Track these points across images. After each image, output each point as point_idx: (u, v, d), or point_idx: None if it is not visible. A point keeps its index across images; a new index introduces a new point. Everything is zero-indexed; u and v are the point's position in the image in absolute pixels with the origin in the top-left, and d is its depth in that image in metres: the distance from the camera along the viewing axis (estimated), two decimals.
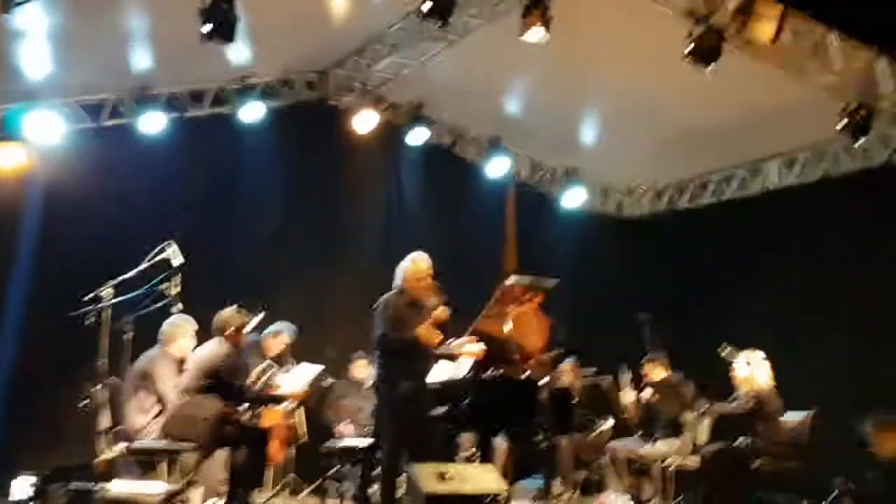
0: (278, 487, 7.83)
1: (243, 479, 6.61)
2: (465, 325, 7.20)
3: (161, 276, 6.37)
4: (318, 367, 7.58)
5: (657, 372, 8.38)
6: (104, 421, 6.17)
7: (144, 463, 6.61)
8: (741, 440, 7.58)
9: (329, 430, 8.69)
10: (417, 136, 10.19)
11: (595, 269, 11.08)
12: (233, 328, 6.68)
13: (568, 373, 8.70)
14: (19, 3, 6.89)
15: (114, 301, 6.06)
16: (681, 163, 10.94)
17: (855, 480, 7.21)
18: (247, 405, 7.14)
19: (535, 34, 7.31)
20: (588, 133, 10.62)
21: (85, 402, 6.08)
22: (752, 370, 7.63)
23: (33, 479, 6.64)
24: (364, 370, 8.89)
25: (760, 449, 7.43)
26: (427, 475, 5.89)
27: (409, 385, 6.57)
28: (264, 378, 7.37)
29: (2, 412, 7.96)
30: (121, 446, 6.31)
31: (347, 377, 9.05)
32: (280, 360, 7.98)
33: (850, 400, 8.18)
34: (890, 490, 7.01)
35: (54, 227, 8.45)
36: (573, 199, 11.31)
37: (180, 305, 6.45)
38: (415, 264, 6.71)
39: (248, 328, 6.98)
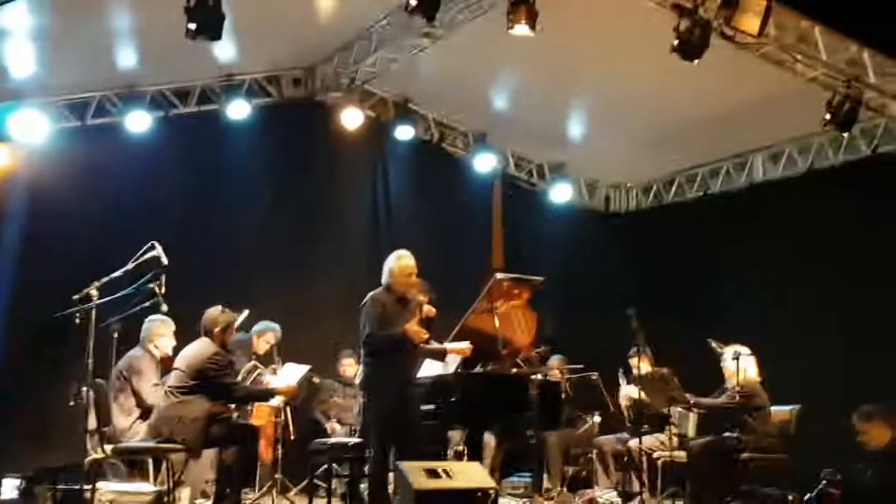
0: (266, 487, 7.81)
1: (232, 479, 6.60)
2: (453, 321, 7.21)
3: (147, 277, 6.34)
4: (305, 368, 7.57)
5: (643, 366, 8.39)
6: (91, 421, 6.15)
7: (131, 464, 6.61)
8: (728, 434, 7.60)
9: (318, 429, 8.69)
10: (404, 132, 10.17)
11: (582, 264, 11.10)
12: (219, 327, 6.65)
13: (556, 368, 8.72)
14: (3, 3, 6.84)
15: (100, 301, 6.03)
16: (667, 157, 10.96)
17: (842, 472, 7.23)
18: (235, 404, 7.14)
19: (522, 29, 7.29)
20: (575, 128, 10.63)
21: (72, 402, 6.05)
22: (739, 364, 7.65)
23: (19, 480, 6.62)
24: (352, 367, 8.89)
25: (748, 442, 7.45)
26: (416, 472, 5.90)
27: (397, 382, 6.57)
28: (252, 377, 7.36)
29: None
30: (108, 447, 6.29)
31: (335, 375, 9.05)
32: (266, 360, 7.97)
33: (837, 392, 8.23)
34: (878, 481, 7.04)
35: (39, 226, 8.40)
36: (560, 194, 11.32)
37: (165, 307, 6.42)
38: (400, 261, 6.70)
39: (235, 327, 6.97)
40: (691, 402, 7.68)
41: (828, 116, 8.07)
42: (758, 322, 9.26)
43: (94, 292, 5.99)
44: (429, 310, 6.88)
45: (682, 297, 10.33)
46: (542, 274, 7.57)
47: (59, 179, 8.50)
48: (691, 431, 8.34)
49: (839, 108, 8.00)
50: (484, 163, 10.71)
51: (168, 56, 8.60)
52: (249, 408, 7.74)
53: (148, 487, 6.14)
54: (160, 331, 7.05)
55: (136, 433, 6.61)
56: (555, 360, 8.86)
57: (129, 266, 6.32)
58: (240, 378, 7.24)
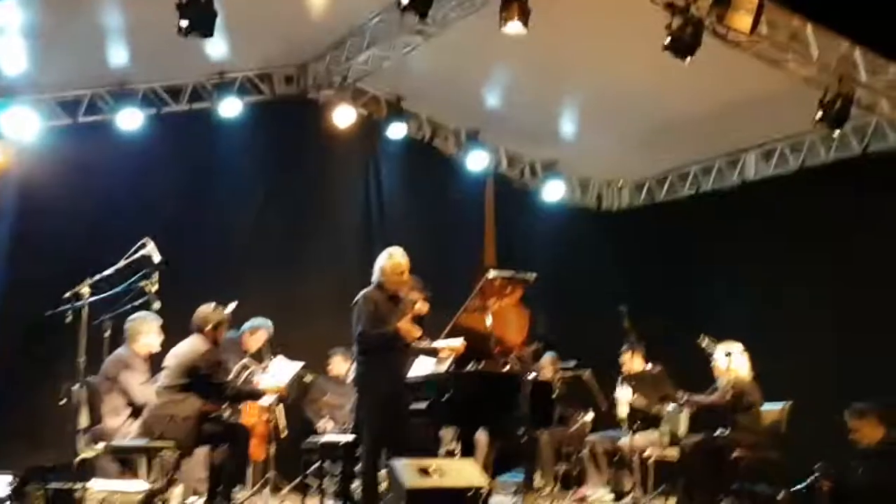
0: (258, 485, 7.81)
1: (224, 477, 6.59)
2: (446, 319, 7.21)
3: (139, 274, 6.33)
4: (298, 364, 7.56)
5: (635, 364, 8.42)
6: (83, 420, 6.13)
7: (123, 462, 6.59)
8: (720, 431, 7.62)
9: (310, 427, 8.68)
10: (396, 130, 10.16)
11: (574, 262, 11.11)
12: (211, 325, 6.64)
13: (548, 366, 8.73)
14: None
15: (92, 299, 6.01)
16: (659, 155, 10.98)
17: (835, 468, 7.25)
18: (227, 402, 7.13)
19: (514, 27, 7.29)
20: (567, 126, 10.64)
21: (63, 400, 6.03)
22: (731, 361, 7.67)
23: (11, 479, 6.58)
24: (341, 365, 8.89)
25: (739, 440, 7.47)
26: (408, 470, 5.90)
27: (389, 380, 6.57)
28: (244, 375, 7.35)
29: None
30: (100, 445, 6.28)
31: (326, 373, 9.04)
32: (258, 357, 7.96)
33: (828, 390, 8.25)
34: (870, 478, 7.07)
35: (31, 224, 8.39)
36: (552, 191, 11.32)
37: (158, 304, 6.40)
38: (392, 259, 6.70)
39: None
40: (683, 399, 7.69)
41: (819, 114, 8.08)
42: (749, 320, 9.28)
43: (85, 290, 5.98)
44: (421, 307, 6.87)
45: (674, 295, 10.35)
46: (535, 272, 7.56)
47: (51, 177, 8.48)
48: (683, 429, 8.36)
49: (831, 106, 8.02)
50: (476, 161, 10.70)
51: (160, 54, 8.59)
52: (240, 406, 7.72)
53: (139, 486, 6.12)
54: (144, 328, 7.02)
55: (127, 433, 6.59)
56: (546, 359, 8.86)
57: (122, 263, 6.31)
58: (231, 376, 7.21)
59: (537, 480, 8.27)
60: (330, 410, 8.80)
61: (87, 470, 6.13)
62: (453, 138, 11.03)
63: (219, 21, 7.17)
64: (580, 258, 11.22)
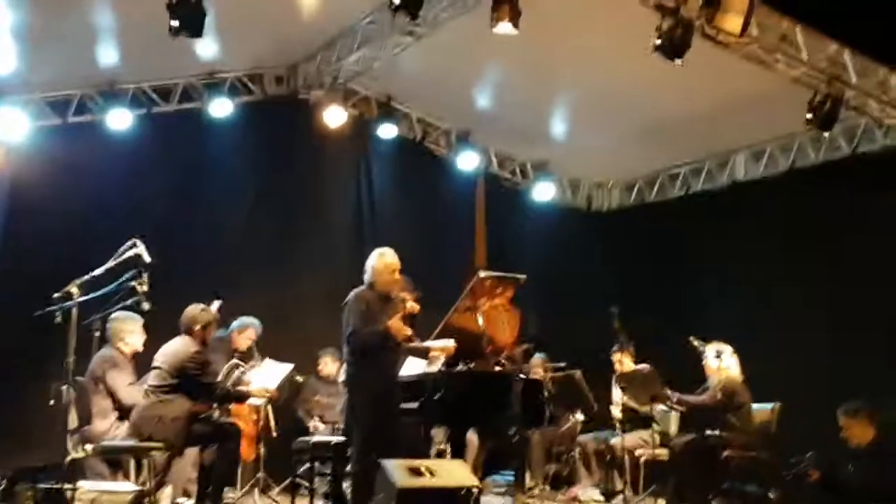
0: (248, 486, 7.79)
1: (213, 478, 6.58)
2: (437, 318, 7.21)
3: (129, 275, 6.31)
4: (289, 366, 7.54)
5: (626, 364, 8.43)
6: (72, 420, 6.11)
7: (113, 463, 6.57)
8: (710, 432, 7.63)
9: (301, 427, 8.67)
10: (387, 130, 10.16)
11: (565, 263, 11.12)
12: (200, 325, 6.63)
13: (538, 366, 8.73)
14: None
15: (81, 299, 5.99)
16: (649, 156, 11.00)
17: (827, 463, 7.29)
18: (216, 403, 7.12)
19: (505, 27, 7.30)
20: (557, 127, 10.65)
21: (52, 401, 6.01)
22: (721, 362, 7.69)
23: (0, 479, 6.56)
24: (331, 365, 8.88)
25: (730, 440, 7.49)
26: (399, 470, 5.90)
27: (380, 380, 6.56)
28: (234, 376, 7.33)
29: None
30: (89, 446, 6.26)
31: (317, 373, 9.03)
32: (246, 356, 7.93)
33: (819, 391, 8.27)
34: (860, 478, 7.10)
35: (20, 224, 8.35)
36: (543, 192, 11.34)
37: (146, 305, 6.38)
38: (383, 258, 6.71)
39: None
40: (674, 399, 7.71)
41: (809, 116, 8.12)
42: (740, 320, 9.30)
43: (74, 290, 5.95)
44: (412, 306, 6.88)
45: (664, 295, 10.37)
46: (525, 272, 7.57)
47: (40, 177, 8.45)
48: (673, 429, 8.38)
49: (820, 107, 8.06)
50: (467, 161, 10.71)
51: (150, 53, 8.56)
52: (230, 407, 7.71)
53: (129, 487, 6.10)
54: (127, 327, 6.99)
55: (115, 435, 6.56)
56: (537, 359, 8.87)
57: (111, 263, 6.29)
58: (221, 377, 7.19)
59: (528, 480, 8.27)
60: (321, 410, 8.80)
61: (77, 471, 6.11)
62: (444, 139, 11.04)
63: (209, 21, 7.16)
64: (571, 258, 11.23)
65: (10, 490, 6.06)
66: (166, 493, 6.82)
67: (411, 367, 7.17)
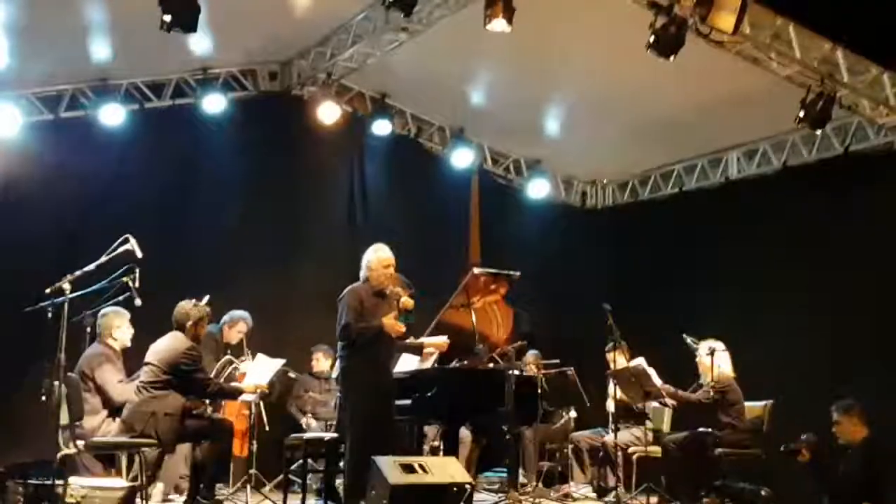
0: (241, 482, 7.77)
1: (205, 474, 6.56)
2: (430, 316, 7.20)
3: (121, 271, 6.29)
4: (280, 361, 7.53)
5: (619, 361, 8.42)
6: (63, 416, 6.09)
7: (105, 459, 6.55)
8: (703, 429, 7.65)
9: (293, 423, 8.66)
10: (382, 127, 10.15)
11: (559, 260, 11.12)
12: (192, 321, 6.61)
13: (531, 364, 8.73)
14: None
15: (72, 296, 5.97)
16: (643, 154, 11.01)
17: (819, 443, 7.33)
18: (209, 399, 7.10)
19: (499, 25, 7.29)
20: (552, 124, 10.64)
21: (43, 397, 5.98)
22: (714, 359, 7.70)
23: None
24: (323, 362, 8.87)
25: (722, 437, 7.50)
26: (392, 467, 5.89)
27: (374, 376, 6.56)
28: (227, 372, 7.31)
29: None
30: (81, 443, 6.24)
31: (310, 370, 9.01)
32: (237, 350, 7.89)
33: (814, 389, 8.29)
34: (847, 471, 7.12)
35: (11, 220, 8.30)
36: (537, 189, 11.34)
37: (138, 301, 6.37)
38: (378, 253, 6.73)
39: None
40: (666, 392, 7.71)
41: (801, 114, 8.13)
42: (732, 318, 9.31)
43: (66, 286, 5.93)
44: (406, 301, 6.88)
45: (658, 293, 10.38)
46: (519, 269, 7.58)
47: (32, 173, 8.42)
48: (666, 427, 8.40)
49: (813, 105, 8.07)
50: (461, 158, 10.71)
51: (142, 49, 8.53)
52: (222, 403, 7.69)
53: (120, 483, 6.08)
54: (115, 322, 6.96)
55: (107, 432, 6.53)
56: (530, 356, 8.87)
57: (103, 259, 6.26)
58: (215, 373, 7.18)
59: (521, 477, 8.27)
60: (313, 407, 8.79)
61: (69, 467, 6.09)
62: (439, 136, 11.03)
63: (202, 16, 7.13)
64: (564, 256, 11.23)
65: (1, 486, 6.05)
66: (158, 489, 6.82)
67: (405, 364, 7.17)
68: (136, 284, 6.32)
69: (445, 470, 6.12)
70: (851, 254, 8.88)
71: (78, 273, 6.09)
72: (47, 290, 5.96)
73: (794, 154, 9.91)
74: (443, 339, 6.99)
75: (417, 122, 10.90)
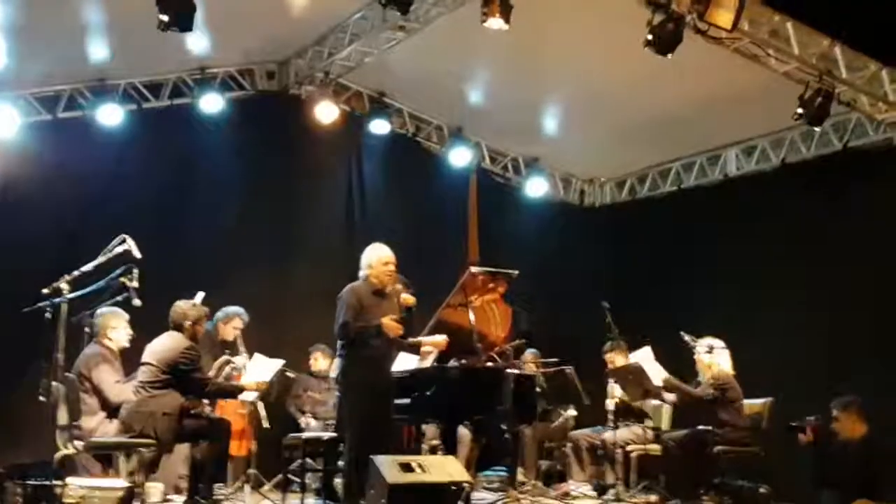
0: (240, 482, 7.77)
1: (204, 474, 6.55)
2: (429, 315, 7.20)
3: (119, 271, 6.29)
4: (279, 362, 7.51)
5: (618, 359, 8.43)
6: (61, 417, 6.08)
7: (103, 459, 6.54)
8: (702, 427, 7.64)
9: (292, 423, 8.65)
10: (380, 126, 10.15)
11: (557, 258, 11.11)
12: (190, 321, 6.60)
13: (530, 362, 8.73)
14: None
15: (71, 296, 5.96)
16: (641, 152, 11.00)
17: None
18: (208, 399, 7.09)
19: (496, 23, 7.29)
20: (549, 123, 10.64)
21: (42, 397, 5.98)
22: (713, 357, 7.70)
23: None
24: (321, 361, 8.87)
25: (721, 435, 7.50)
26: (390, 466, 5.89)
27: (373, 375, 6.56)
28: (224, 372, 7.30)
29: None
30: (79, 443, 6.23)
31: (306, 369, 9.00)
32: (232, 347, 7.86)
33: (813, 385, 8.28)
34: (845, 468, 7.13)
35: (9, 220, 8.30)
36: (535, 188, 11.34)
37: (137, 301, 6.36)
38: (376, 251, 6.75)
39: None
40: (668, 383, 7.66)
41: (800, 111, 8.12)
42: (731, 315, 9.31)
43: (64, 286, 5.92)
44: (407, 298, 6.88)
45: (657, 291, 10.37)
46: (517, 267, 7.56)
47: (30, 173, 8.41)
48: (666, 425, 8.39)
49: (811, 102, 8.06)
50: (459, 157, 10.70)
51: (140, 49, 8.53)
52: (219, 402, 7.69)
53: (119, 483, 6.08)
54: (112, 323, 6.91)
55: (105, 432, 6.52)
56: (528, 355, 8.87)
57: (101, 259, 6.26)
58: (213, 372, 7.17)
59: (520, 476, 8.27)
60: (312, 406, 8.79)
61: (67, 467, 6.08)
62: (437, 134, 11.02)
63: (200, 16, 7.13)
64: (563, 254, 11.22)
65: (0, 486, 6.04)
66: (157, 489, 6.81)
67: (404, 363, 7.17)
68: (135, 284, 6.31)
69: (444, 469, 6.12)
70: (850, 250, 8.86)
71: (76, 273, 6.09)
72: (45, 291, 5.96)
73: (793, 151, 9.90)
74: (442, 338, 6.98)
75: (415, 120, 10.89)
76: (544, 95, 10.04)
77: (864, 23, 7.70)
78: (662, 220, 10.93)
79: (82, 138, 8.92)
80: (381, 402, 6.57)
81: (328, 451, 7.25)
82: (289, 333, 9.12)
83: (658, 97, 9.23)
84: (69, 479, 5.84)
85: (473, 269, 7.36)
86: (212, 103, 9.38)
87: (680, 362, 8.01)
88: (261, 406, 7.84)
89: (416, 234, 9.98)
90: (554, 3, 7.87)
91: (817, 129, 8.64)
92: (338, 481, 7.16)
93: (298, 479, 7.74)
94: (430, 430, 8.02)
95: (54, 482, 5.69)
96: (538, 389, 7.90)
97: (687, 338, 7.83)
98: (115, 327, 6.92)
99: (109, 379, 6.72)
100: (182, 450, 6.89)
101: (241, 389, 7.10)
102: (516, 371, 7.44)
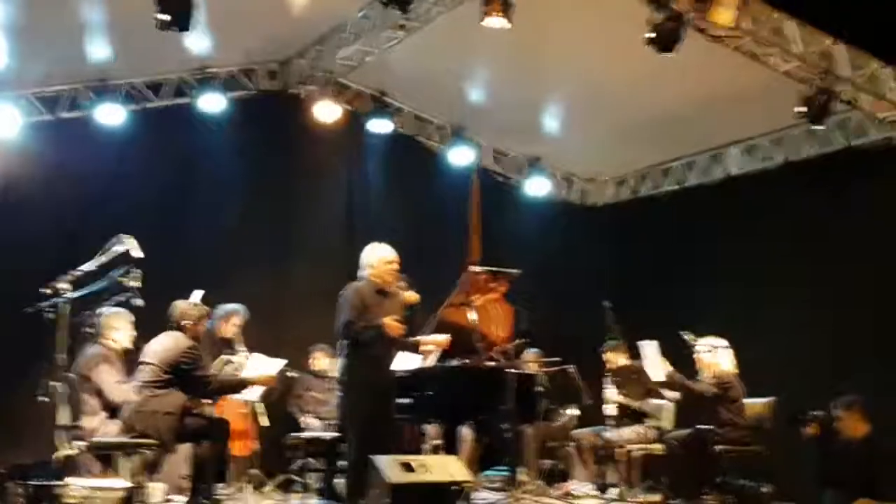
0: (242, 482, 7.76)
1: (206, 474, 6.54)
2: (430, 314, 7.19)
3: (121, 271, 6.28)
4: (281, 362, 7.50)
5: (619, 359, 8.42)
6: (63, 417, 6.08)
7: (104, 459, 6.53)
8: (705, 426, 7.63)
9: (293, 423, 8.65)
10: (381, 125, 10.14)
11: (559, 257, 11.09)
12: (191, 320, 6.59)
13: (532, 362, 8.71)
14: None
15: (72, 296, 5.96)
16: (642, 150, 10.98)
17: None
18: (210, 397, 7.08)
19: (495, 21, 7.28)
20: (551, 121, 10.62)
21: (41, 398, 5.97)
22: (714, 356, 7.68)
23: None
24: (322, 361, 8.86)
25: (724, 435, 7.48)
26: (392, 466, 5.88)
27: (375, 376, 6.55)
28: (225, 371, 7.29)
29: None
30: (80, 443, 6.22)
31: (306, 369, 9.00)
32: (232, 344, 7.85)
33: (815, 384, 8.27)
34: (846, 468, 7.12)
35: (11, 220, 8.31)
36: (536, 187, 11.33)
37: (139, 301, 6.35)
38: (377, 250, 6.74)
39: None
40: (671, 377, 7.63)
41: (802, 109, 8.11)
42: (734, 314, 9.30)
43: (65, 286, 5.92)
44: (410, 295, 6.87)
45: (659, 290, 10.36)
46: (519, 267, 7.55)
47: (31, 173, 8.44)
48: (669, 424, 8.37)
49: (813, 101, 8.05)
50: (461, 156, 10.69)
51: (141, 49, 8.53)
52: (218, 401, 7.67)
53: (120, 483, 6.07)
54: (115, 323, 6.88)
55: (106, 432, 6.51)
56: (530, 354, 8.85)
57: (104, 259, 6.26)
58: (215, 371, 7.16)
59: (522, 475, 8.25)
60: (313, 406, 8.78)
61: (68, 467, 6.08)
62: (438, 134, 11.01)
63: (201, 16, 7.12)
64: (564, 253, 11.20)
65: (1, 487, 6.04)
66: (159, 489, 6.80)
67: (405, 363, 7.16)
68: (137, 284, 6.30)
69: (446, 469, 6.11)
70: (852, 249, 8.86)
71: (77, 273, 6.09)
72: (46, 291, 5.95)
73: (795, 149, 9.89)
74: (444, 338, 6.97)
75: (417, 119, 10.89)
76: (545, 94, 10.03)
77: (866, 21, 7.69)
78: (664, 219, 10.92)
79: (83, 138, 8.94)
80: (383, 402, 6.56)
81: (330, 451, 7.24)
82: (289, 333, 9.12)
83: (659, 96, 9.22)
84: (70, 480, 5.84)
85: (475, 268, 7.35)
86: (213, 103, 9.38)
87: (681, 362, 8.00)
88: (259, 405, 7.83)
89: (417, 233, 9.96)
90: (555, 1, 7.86)
91: (819, 127, 8.61)
92: (340, 481, 7.15)
93: (300, 479, 7.73)
94: (431, 429, 8.00)
95: (55, 482, 5.69)
96: (540, 389, 7.88)
97: (687, 337, 7.82)
98: (118, 328, 6.90)
99: (110, 379, 6.70)
100: (184, 450, 6.88)
101: (245, 383, 7.07)
102: (518, 370, 7.43)
